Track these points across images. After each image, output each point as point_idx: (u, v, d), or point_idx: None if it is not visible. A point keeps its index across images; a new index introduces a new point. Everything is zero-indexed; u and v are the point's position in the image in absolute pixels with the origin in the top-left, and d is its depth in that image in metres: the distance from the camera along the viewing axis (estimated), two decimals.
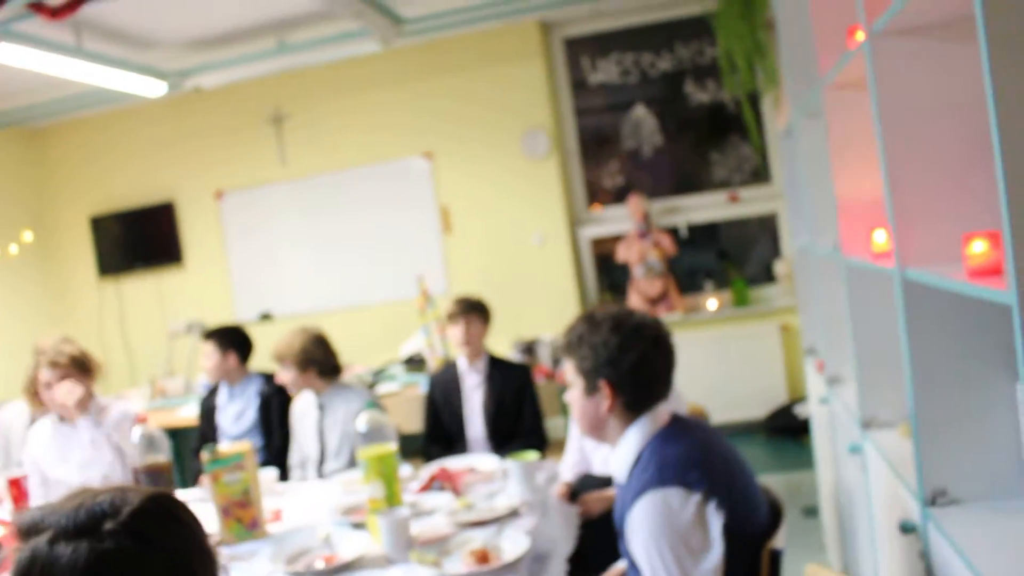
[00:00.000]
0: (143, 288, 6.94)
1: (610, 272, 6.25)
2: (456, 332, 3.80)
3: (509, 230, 6.15)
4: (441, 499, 2.64)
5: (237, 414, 4.14)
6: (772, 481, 4.72)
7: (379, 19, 5.09)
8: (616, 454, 1.92)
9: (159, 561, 0.95)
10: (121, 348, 6.97)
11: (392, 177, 6.37)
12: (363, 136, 6.39)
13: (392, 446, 2.40)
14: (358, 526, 2.47)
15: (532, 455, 2.64)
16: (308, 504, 2.83)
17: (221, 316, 6.37)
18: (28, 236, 6.74)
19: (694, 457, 1.79)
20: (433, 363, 4.98)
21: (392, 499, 2.35)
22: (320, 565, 2.17)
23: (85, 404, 3.51)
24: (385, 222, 6.39)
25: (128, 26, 4.99)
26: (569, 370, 1.94)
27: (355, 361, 5.68)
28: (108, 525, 0.94)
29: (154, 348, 6.73)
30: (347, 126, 6.41)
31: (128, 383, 6.74)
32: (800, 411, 5.27)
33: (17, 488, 3.19)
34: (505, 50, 6.04)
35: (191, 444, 4.36)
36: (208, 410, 4.22)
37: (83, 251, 7.02)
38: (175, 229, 6.83)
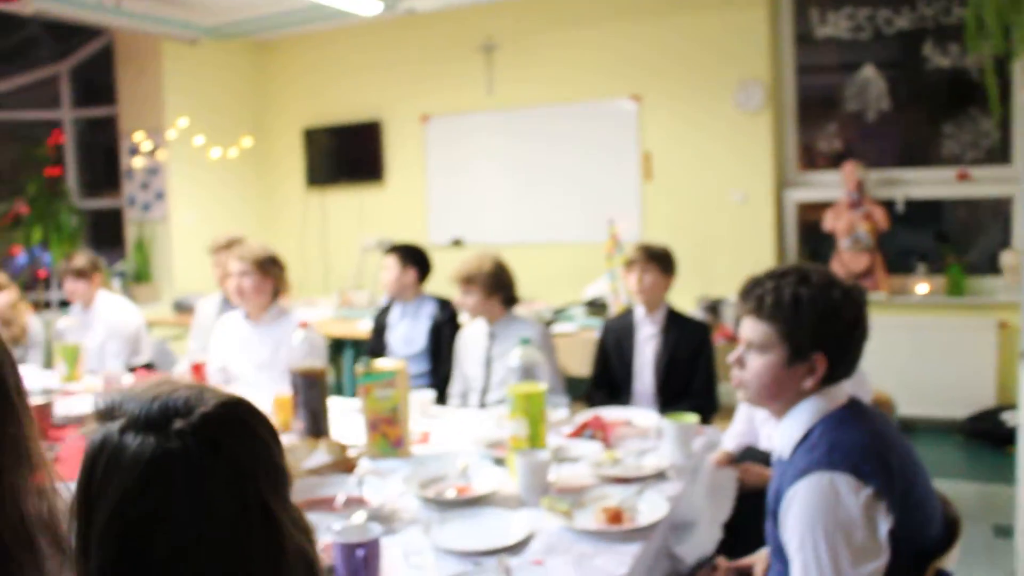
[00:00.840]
0: (345, 202, 7.19)
1: (813, 240, 5.84)
2: (631, 279, 3.64)
3: (711, 183, 5.87)
4: (589, 448, 2.53)
5: (407, 336, 4.17)
6: (964, 490, 4.30)
7: None
8: (782, 427, 1.72)
9: (222, 467, 0.90)
10: (318, 257, 7.28)
11: (597, 117, 6.21)
12: (571, 73, 6.25)
13: (542, 386, 2.31)
14: (499, 461, 2.41)
15: (691, 418, 2.47)
16: (458, 431, 2.80)
17: (414, 237, 6.49)
18: (247, 142, 7.12)
19: (872, 447, 1.57)
20: (615, 309, 4.86)
21: (535, 440, 2.26)
22: (451, 494, 2.12)
23: (265, 304, 3.65)
24: (585, 161, 6.26)
25: None
26: (760, 331, 1.69)
27: (537, 297, 5.65)
28: (178, 424, 0.89)
29: (348, 260, 6.99)
30: (556, 61, 6.29)
31: (321, 291, 7.04)
32: (1008, 419, 4.75)
33: (199, 373, 3.36)
34: None
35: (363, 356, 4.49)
36: (380, 326, 4.29)
37: (294, 161, 7.35)
38: (380, 148, 7.00)
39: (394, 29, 6.73)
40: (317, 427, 2.56)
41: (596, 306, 5.16)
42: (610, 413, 2.94)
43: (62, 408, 3.04)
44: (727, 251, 5.80)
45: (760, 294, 1.70)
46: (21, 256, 6.55)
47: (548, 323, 4.97)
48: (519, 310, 3.86)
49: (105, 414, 0.92)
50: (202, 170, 6.91)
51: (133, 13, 5.94)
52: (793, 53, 5.76)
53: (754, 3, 5.62)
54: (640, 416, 2.92)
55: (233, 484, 0.90)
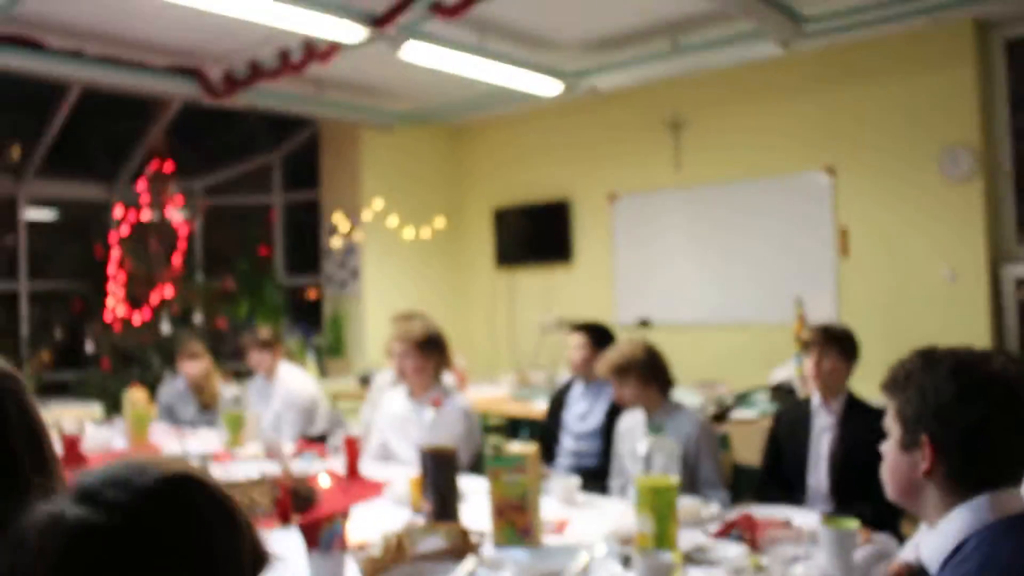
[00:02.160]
0: (532, 281, 7.22)
1: None
2: (808, 363, 3.33)
3: (915, 260, 5.38)
4: (733, 551, 2.27)
5: (584, 413, 4.05)
6: None
7: (777, 18, 4.70)
8: (930, 536, 1.45)
9: (147, 548, 0.80)
10: (504, 335, 7.32)
11: (788, 191, 5.90)
12: (760, 146, 6.00)
13: (674, 479, 2.10)
14: (627, 560, 2.20)
15: (851, 523, 2.16)
16: (600, 523, 2.61)
17: (600, 317, 6.40)
18: (440, 222, 7.35)
19: None
20: (803, 395, 4.50)
21: (662, 539, 2.05)
22: None
23: (427, 384, 3.64)
24: (775, 238, 5.94)
25: (527, 26, 5.14)
26: (889, 414, 1.53)
27: (720, 379, 5.36)
28: (109, 495, 0.81)
29: (532, 339, 6.97)
30: (744, 135, 6.07)
31: (506, 369, 7.06)
32: None
33: (351, 447, 3.38)
34: (926, 53, 5.26)
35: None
36: (557, 403, 4.19)
37: (484, 240, 7.49)
38: (568, 227, 7.00)
39: (580, 109, 6.77)
40: (444, 510, 2.47)
41: (781, 391, 4.82)
42: (765, 511, 2.65)
43: (217, 473, 3.13)
44: (934, 335, 5.16)
45: (891, 373, 1.53)
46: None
47: (727, 408, 4.68)
48: (684, 397, 3.63)
49: (77, 486, 0.87)
50: (395, 250, 7.18)
51: (335, 102, 6.33)
52: (1008, 114, 5.23)
53: (959, 61, 5.16)
54: (802, 517, 2.62)
55: (159, 569, 0.81)
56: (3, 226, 6.70)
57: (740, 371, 5.58)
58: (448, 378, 4.68)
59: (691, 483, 3.01)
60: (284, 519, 2.69)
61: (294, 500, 2.80)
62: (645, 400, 3.30)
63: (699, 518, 2.57)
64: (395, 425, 3.72)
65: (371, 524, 2.48)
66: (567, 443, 4.04)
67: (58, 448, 3.43)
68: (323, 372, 6.99)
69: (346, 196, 7.15)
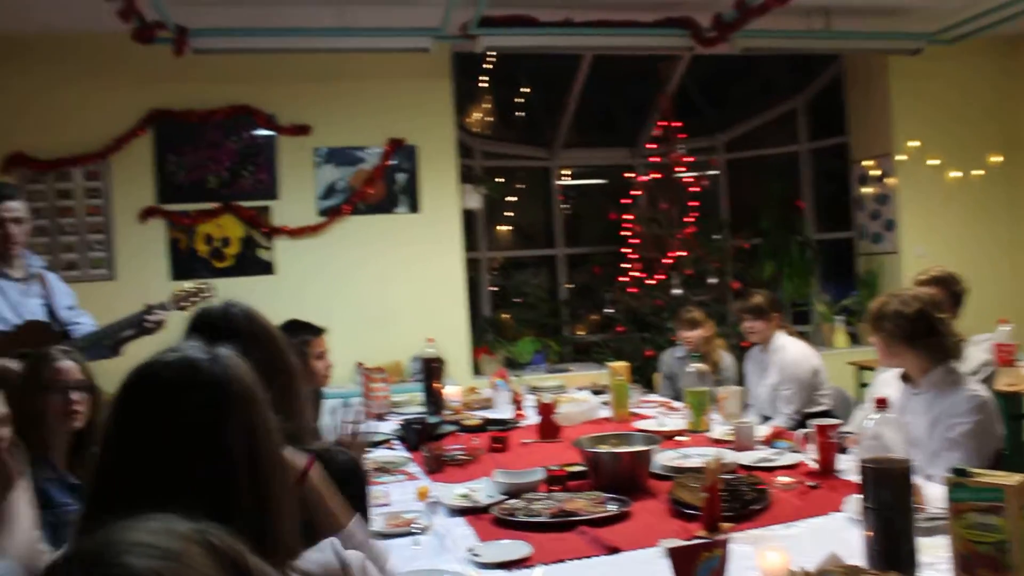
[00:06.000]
0: None
1: None
2: None
3: None
4: None
5: None
6: None
7: None
8: None
9: None
10: None
11: None
12: None
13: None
14: None
15: None
16: None
17: None
18: (995, 159, 6.08)
19: None
20: None
21: None
22: None
23: (924, 367, 2.89)
24: None
25: None
26: None
27: None
28: None
29: None
30: None
31: None
32: None
33: (823, 437, 2.81)
34: None
35: None
36: None
37: None
38: None
39: None
40: (887, 551, 1.83)
41: None
42: None
43: (664, 458, 2.83)
44: None
45: None
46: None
47: None
48: None
49: None
50: (937, 195, 6.11)
51: (846, 33, 5.55)
52: None
53: None
54: None
55: None
56: (542, 196, 7.22)
57: None
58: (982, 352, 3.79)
59: None
60: (709, 525, 2.28)
61: (730, 503, 2.37)
62: None
63: None
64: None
65: (805, 550, 1.90)
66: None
67: (535, 416, 3.46)
68: (854, 340, 6.28)
69: (876, 137, 6.28)
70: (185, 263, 5.44)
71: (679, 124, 6.32)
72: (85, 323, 3.43)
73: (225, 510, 1.00)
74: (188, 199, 5.46)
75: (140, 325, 3.35)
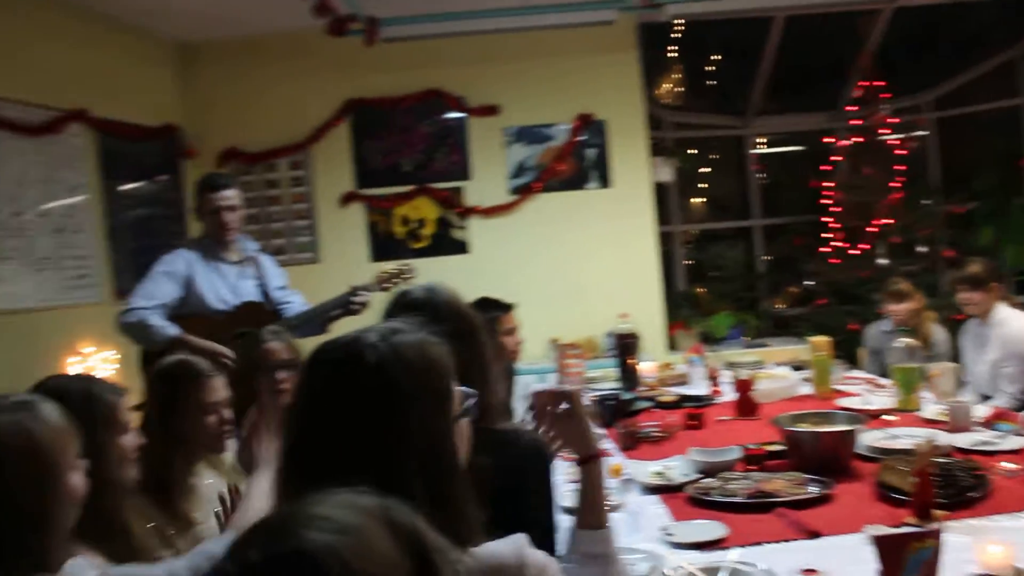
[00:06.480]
0: None
1: None
2: None
3: None
4: None
5: None
6: None
7: None
8: None
9: None
10: None
11: None
12: None
13: None
14: None
15: None
16: None
17: None
18: None
19: None
20: None
21: None
22: None
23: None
24: None
25: None
26: None
27: None
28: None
29: None
30: None
31: None
32: None
33: None
34: None
35: None
36: None
37: None
38: None
39: None
40: None
41: None
42: None
43: (869, 438, 2.69)
44: None
45: None
46: None
47: None
48: None
49: None
50: None
51: None
52: None
53: None
54: None
55: None
56: (736, 165, 7.00)
57: None
58: None
59: None
60: (922, 513, 2.14)
61: (944, 488, 2.22)
62: None
63: None
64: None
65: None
66: None
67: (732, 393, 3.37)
68: None
69: None
70: (384, 245, 5.69)
71: (882, 84, 5.94)
72: (295, 302, 3.66)
73: (408, 489, 1.02)
74: (384, 183, 5.70)
75: (347, 306, 3.53)
